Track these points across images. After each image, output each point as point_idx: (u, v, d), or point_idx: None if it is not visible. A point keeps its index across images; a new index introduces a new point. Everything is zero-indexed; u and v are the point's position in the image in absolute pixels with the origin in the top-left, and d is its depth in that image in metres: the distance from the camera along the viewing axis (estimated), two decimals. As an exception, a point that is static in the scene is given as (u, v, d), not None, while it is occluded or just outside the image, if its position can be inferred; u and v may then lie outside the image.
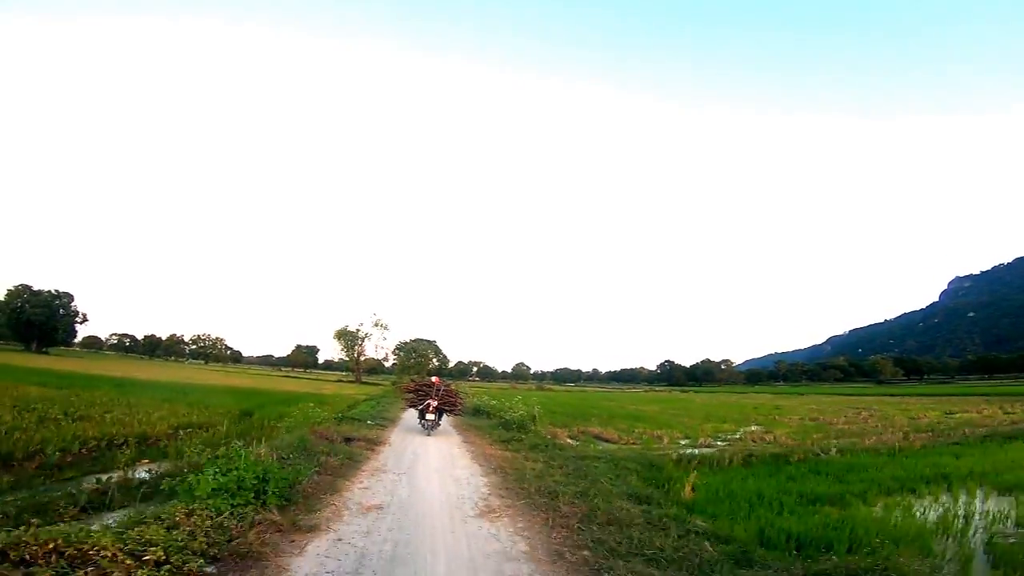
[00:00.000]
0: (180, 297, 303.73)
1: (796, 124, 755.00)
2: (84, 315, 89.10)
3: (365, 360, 77.74)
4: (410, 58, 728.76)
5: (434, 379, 20.65)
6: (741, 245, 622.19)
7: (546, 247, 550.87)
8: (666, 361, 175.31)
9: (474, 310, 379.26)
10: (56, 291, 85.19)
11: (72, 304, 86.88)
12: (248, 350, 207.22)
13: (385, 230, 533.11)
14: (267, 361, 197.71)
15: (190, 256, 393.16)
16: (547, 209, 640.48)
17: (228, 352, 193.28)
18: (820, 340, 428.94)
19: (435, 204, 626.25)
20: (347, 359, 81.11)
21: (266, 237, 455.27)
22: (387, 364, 76.56)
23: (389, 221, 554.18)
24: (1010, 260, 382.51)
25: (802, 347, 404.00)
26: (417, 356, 64.84)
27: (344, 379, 78.86)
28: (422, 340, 67.15)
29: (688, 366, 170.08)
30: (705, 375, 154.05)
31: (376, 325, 73.46)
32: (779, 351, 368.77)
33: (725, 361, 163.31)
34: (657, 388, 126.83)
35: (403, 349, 67.24)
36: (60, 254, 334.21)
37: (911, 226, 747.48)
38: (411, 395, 20.03)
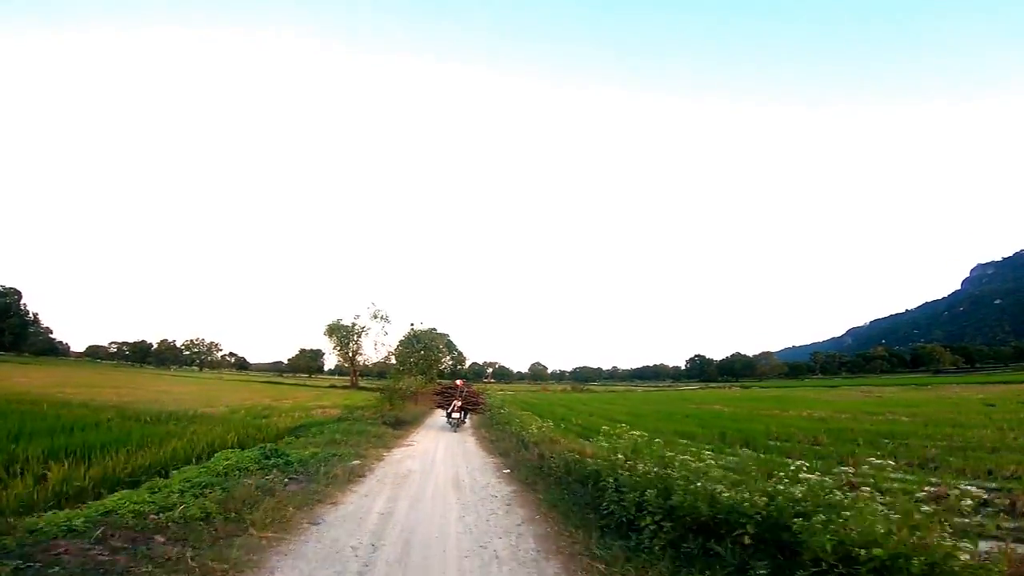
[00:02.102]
0: (189, 304, 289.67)
1: (812, 115, 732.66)
2: (35, 316, 73.74)
3: (372, 362, 60.93)
4: (425, 64, 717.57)
5: (458, 382, 21.50)
6: (756, 238, 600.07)
7: (558, 245, 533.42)
8: (696, 355, 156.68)
9: (487, 309, 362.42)
10: (2, 287, 69.81)
11: (21, 303, 71.43)
12: (258, 356, 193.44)
13: (396, 229, 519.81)
14: (276, 367, 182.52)
15: (200, 261, 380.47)
16: (558, 207, 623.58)
17: (232, 358, 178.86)
18: (839, 332, 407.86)
19: (446, 202, 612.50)
20: (341, 360, 64.90)
21: (275, 240, 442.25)
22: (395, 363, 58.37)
23: (400, 220, 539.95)
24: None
25: (820, 339, 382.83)
26: (424, 350, 46.57)
27: (338, 384, 62.52)
28: (431, 330, 48.92)
29: (718, 360, 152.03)
30: (745, 369, 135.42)
31: (375, 317, 56.96)
32: (796, 344, 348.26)
33: (765, 353, 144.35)
34: (715, 385, 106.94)
35: (405, 343, 49.12)
36: (77, 263, 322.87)
37: (927, 214, 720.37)
38: (438, 397, 21.02)
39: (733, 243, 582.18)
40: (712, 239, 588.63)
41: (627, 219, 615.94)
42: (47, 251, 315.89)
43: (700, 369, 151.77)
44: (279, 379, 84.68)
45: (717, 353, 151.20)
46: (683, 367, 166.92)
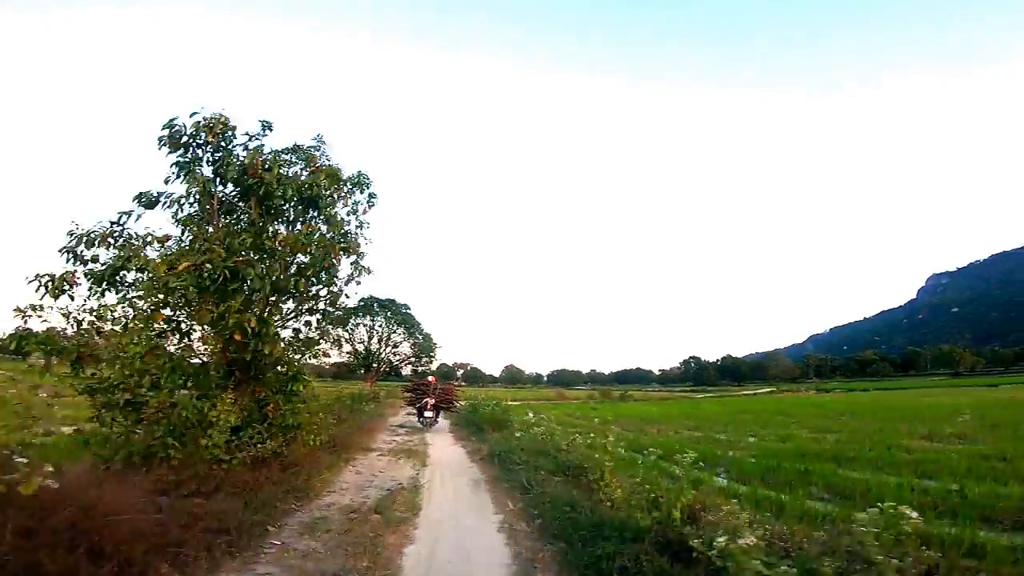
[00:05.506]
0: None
1: (768, 116, 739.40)
2: None
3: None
4: (412, 51, 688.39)
5: (430, 378, 19.20)
6: (718, 242, 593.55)
7: (532, 244, 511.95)
8: (691, 357, 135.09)
9: (458, 307, 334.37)
10: None
11: None
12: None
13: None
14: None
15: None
16: (532, 205, 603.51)
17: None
18: (800, 339, 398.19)
19: (413, 190, 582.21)
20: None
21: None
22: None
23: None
24: (986, 257, 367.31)
25: (782, 346, 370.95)
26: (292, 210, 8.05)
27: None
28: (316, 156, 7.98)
29: (715, 362, 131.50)
30: (753, 371, 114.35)
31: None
32: (758, 350, 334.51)
33: (773, 353, 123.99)
34: (787, 388, 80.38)
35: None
36: None
37: (882, 225, 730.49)
38: (410, 395, 18.58)
39: (698, 247, 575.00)
40: (678, 244, 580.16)
41: (597, 221, 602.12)
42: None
43: (696, 372, 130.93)
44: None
45: (679, 355, 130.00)
46: (669, 369, 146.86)
